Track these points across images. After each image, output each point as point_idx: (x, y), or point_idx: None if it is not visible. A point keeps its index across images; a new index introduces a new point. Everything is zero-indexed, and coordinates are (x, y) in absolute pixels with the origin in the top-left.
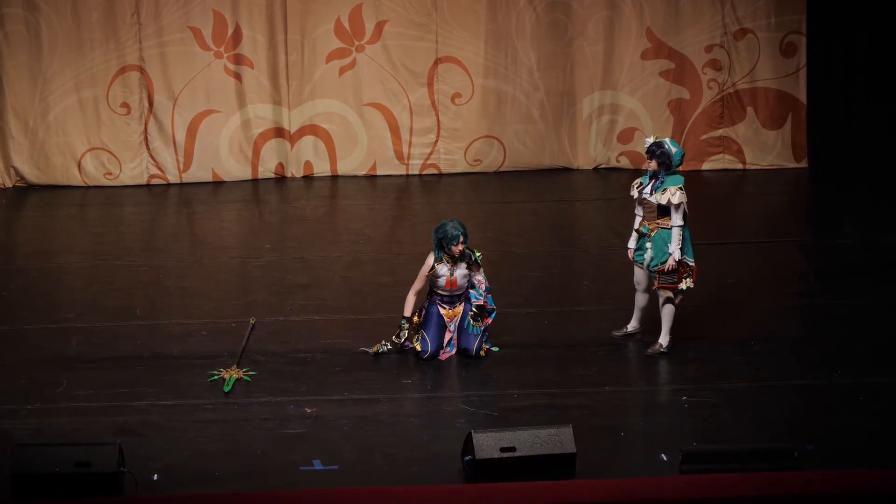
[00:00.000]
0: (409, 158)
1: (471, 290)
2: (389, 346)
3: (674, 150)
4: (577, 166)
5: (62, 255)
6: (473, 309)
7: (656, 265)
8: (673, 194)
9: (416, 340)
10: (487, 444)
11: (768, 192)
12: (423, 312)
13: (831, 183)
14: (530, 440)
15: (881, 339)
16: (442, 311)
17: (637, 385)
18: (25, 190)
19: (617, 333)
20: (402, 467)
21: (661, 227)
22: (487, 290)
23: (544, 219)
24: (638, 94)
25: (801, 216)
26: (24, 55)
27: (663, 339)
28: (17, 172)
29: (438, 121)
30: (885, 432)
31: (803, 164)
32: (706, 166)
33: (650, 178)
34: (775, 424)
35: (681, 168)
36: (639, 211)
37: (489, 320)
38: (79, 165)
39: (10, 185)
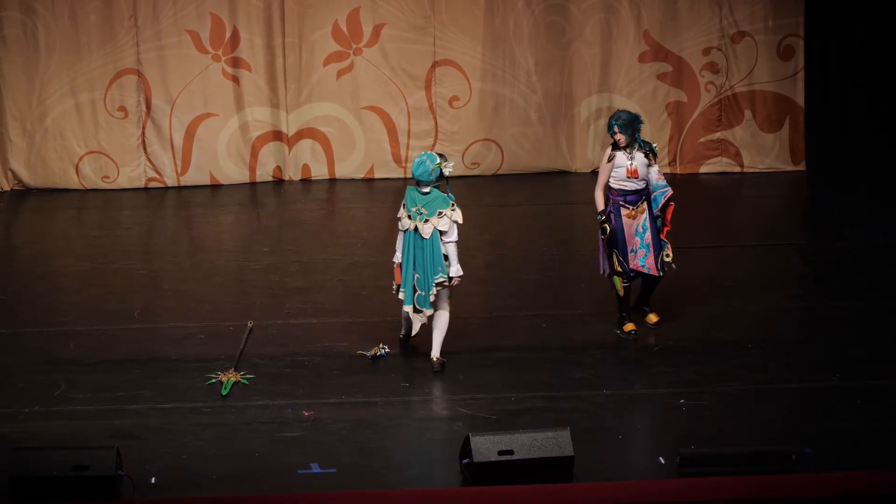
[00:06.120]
0: (406, 161)
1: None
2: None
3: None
4: (575, 169)
5: (60, 258)
6: (657, 212)
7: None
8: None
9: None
10: (485, 447)
11: (766, 194)
12: (608, 230)
13: (829, 186)
14: (528, 443)
15: (879, 342)
16: (624, 212)
17: (635, 388)
18: (23, 193)
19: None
20: (400, 470)
21: None
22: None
23: (542, 222)
24: (635, 97)
25: (798, 219)
26: (22, 59)
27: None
28: (15, 175)
29: (436, 124)
30: (884, 435)
31: (801, 167)
32: (704, 169)
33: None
34: (773, 427)
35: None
36: None
37: (672, 206)
38: (76, 169)
39: (8, 189)
